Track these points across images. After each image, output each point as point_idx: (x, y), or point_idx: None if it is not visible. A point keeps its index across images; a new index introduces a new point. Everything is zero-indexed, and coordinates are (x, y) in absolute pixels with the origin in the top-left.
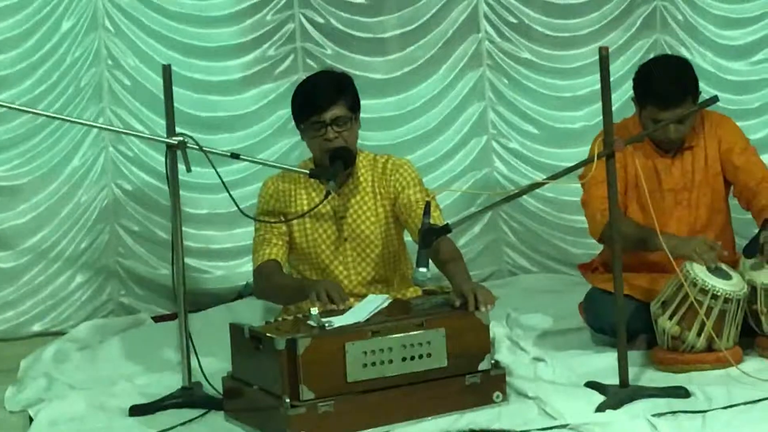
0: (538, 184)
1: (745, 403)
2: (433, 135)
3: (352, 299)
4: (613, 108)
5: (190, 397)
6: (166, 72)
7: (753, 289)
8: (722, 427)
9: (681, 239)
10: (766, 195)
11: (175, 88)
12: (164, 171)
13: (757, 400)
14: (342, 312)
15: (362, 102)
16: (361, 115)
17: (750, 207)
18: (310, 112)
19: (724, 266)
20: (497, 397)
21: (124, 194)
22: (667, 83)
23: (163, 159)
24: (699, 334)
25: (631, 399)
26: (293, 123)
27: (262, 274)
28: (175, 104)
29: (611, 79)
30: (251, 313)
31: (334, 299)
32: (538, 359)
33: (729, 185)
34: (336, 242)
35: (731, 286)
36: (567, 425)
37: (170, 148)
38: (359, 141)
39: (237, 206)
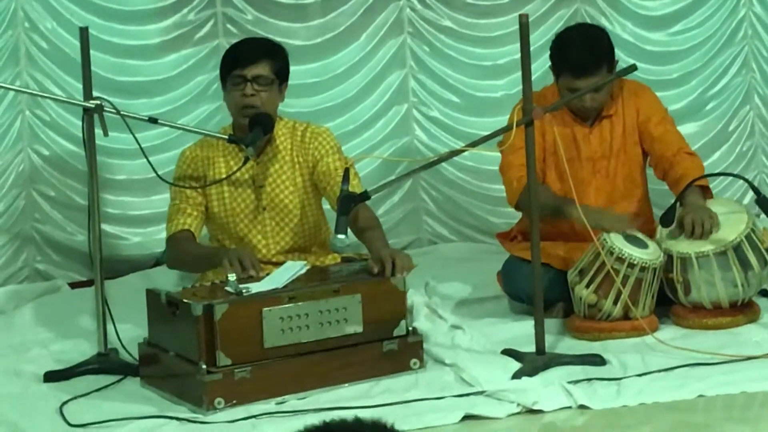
0: (458, 152)
1: (659, 371)
2: (353, 102)
3: (270, 267)
4: (534, 77)
5: (105, 363)
6: (84, 35)
7: (669, 257)
8: (636, 394)
9: (597, 210)
10: (683, 165)
11: (93, 52)
12: (81, 136)
13: (671, 367)
14: (260, 279)
15: None
16: None
17: (666, 177)
18: (234, 65)
19: (640, 235)
20: (414, 363)
21: (40, 159)
22: (581, 51)
23: (81, 124)
24: (615, 303)
25: (547, 366)
26: (212, 89)
27: (174, 243)
28: (93, 68)
29: (531, 48)
30: (168, 280)
31: (246, 266)
32: (455, 327)
33: (646, 155)
34: (254, 211)
35: (647, 254)
36: (483, 392)
37: (87, 111)
38: (279, 107)
39: (155, 172)
